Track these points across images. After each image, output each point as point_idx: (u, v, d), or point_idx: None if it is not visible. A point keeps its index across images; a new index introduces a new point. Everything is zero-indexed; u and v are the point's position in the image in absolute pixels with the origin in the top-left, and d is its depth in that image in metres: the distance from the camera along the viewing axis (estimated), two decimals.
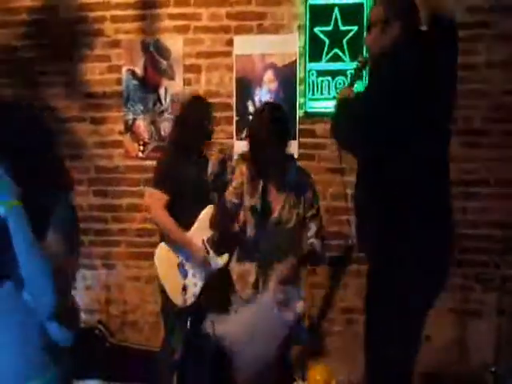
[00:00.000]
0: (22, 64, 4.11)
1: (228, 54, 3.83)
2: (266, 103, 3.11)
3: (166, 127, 3.90)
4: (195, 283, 3.09)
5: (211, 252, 3.11)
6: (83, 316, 4.10)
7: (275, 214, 2.63)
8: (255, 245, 2.66)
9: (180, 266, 3.09)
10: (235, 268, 2.80)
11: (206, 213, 3.09)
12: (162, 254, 3.13)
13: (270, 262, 2.66)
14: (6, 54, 4.13)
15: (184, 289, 3.05)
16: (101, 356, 3.92)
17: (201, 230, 3.10)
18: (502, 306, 3.36)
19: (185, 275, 3.08)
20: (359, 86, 2.77)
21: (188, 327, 3.10)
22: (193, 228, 3.10)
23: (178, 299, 3.06)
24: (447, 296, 3.70)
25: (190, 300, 3.08)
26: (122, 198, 4.09)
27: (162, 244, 3.13)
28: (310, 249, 2.72)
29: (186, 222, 3.07)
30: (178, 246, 3.09)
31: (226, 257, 3.13)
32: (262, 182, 2.62)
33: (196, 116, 3.13)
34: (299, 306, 2.68)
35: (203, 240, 3.10)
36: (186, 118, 3.16)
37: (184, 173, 3.06)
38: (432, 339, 3.69)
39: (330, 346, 3.88)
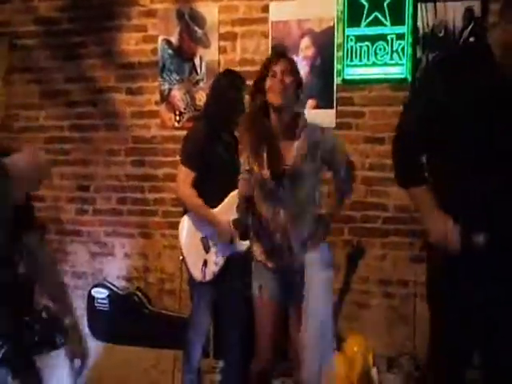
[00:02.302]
0: (60, 36, 4.03)
1: (264, 20, 3.62)
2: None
3: (201, 97, 3.74)
4: (216, 262, 2.96)
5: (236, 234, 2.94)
6: (123, 283, 4.03)
7: (289, 167, 2.37)
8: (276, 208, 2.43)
9: (203, 240, 2.95)
10: (260, 243, 2.57)
11: (234, 195, 2.91)
12: (187, 226, 2.99)
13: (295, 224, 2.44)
14: (46, 26, 4.05)
15: (205, 264, 2.93)
16: (139, 323, 3.88)
17: (226, 212, 2.93)
18: None
19: (207, 250, 2.95)
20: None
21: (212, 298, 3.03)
22: (218, 208, 2.95)
23: (197, 273, 2.94)
24: None
25: (209, 276, 2.95)
26: (159, 167, 3.98)
27: (187, 216, 2.98)
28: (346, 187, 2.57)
29: (213, 201, 2.93)
30: (203, 221, 2.94)
31: (247, 242, 2.98)
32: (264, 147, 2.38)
33: (229, 97, 2.94)
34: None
35: (230, 221, 2.92)
36: (218, 95, 2.97)
37: (213, 151, 2.91)
38: None
39: (367, 319, 3.66)
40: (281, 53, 2.51)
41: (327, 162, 2.46)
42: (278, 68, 2.30)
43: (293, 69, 2.36)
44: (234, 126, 3.02)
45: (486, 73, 1.84)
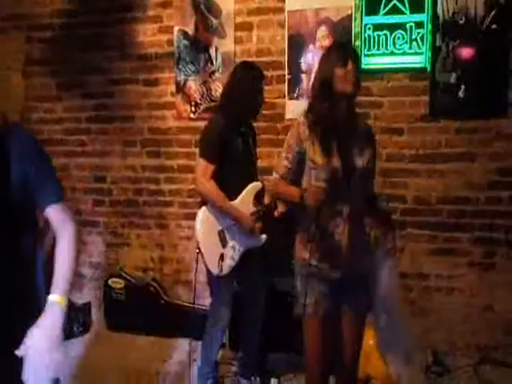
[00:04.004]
0: (76, 28, 3.94)
1: (280, 10, 3.50)
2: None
3: (217, 87, 3.62)
4: (233, 256, 2.83)
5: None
6: (139, 273, 3.92)
7: (359, 166, 2.17)
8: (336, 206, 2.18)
9: (220, 234, 2.81)
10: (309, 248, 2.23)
11: (252, 187, 2.83)
12: (204, 218, 2.84)
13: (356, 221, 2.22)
14: (62, 18, 3.97)
15: (221, 258, 2.79)
16: (155, 313, 3.81)
17: (245, 204, 2.82)
18: None
19: (224, 244, 2.82)
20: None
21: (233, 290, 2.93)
22: (237, 200, 2.83)
23: (213, 267, 2.81)
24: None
25: (226, 271, 2.82)
26: (175, 158, 3.89)
27: (205, 208, 2.83)
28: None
29: (231, 194, 2.80)
30: (222, 214, 2.81)
31: (264, 236, 2.90)
32: (335, 139, 2.17)
33: (248, 88, 2.80)
34: None
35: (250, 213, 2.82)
36: (237, 87, 2.82)
37: (231, 143, 2.78)
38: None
39: None
40: (345, 44, 2.44)
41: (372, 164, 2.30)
42: (349, 57, 2.15)
43: (357, 58, 2.23)
44: (253, 117, 2.94)
45: None
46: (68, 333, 3.77)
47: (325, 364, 2.28)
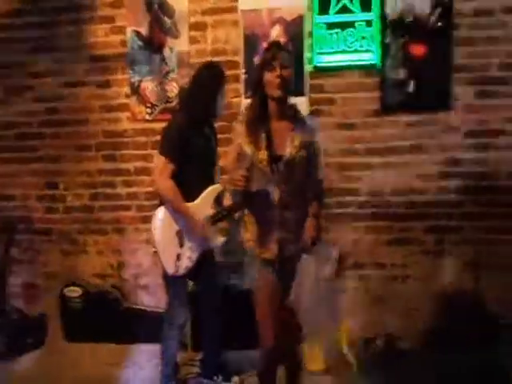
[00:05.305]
0: (24, 29, 3.71)
1: (234, 9, 3.45)
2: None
3: (172, 88, 3.52)
4: (190, 257, 2.74)
5: (211, 230, 2.76)
6: (97, 280, 3.70)
7: (286, 155, 2.29)
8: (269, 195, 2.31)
9: (178, 234, 2.71)
10: (251, 231, 2.42)
11: (212, 190, 2.75)
12: (162, 218, 2.73)
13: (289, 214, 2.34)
14: (8, 18, 3.72)
15: (178, 258, 2.70)
16: (115, 319, 3.62)
17: (203, 207, 2.72)
18: None
19: (181, 244, 2.72)
20: None
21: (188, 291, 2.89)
22: (197, 201, 2.74)
23: (170, 266, 2.72)
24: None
25: (182, 271, 2.73)
26: (131, 161, 3.73)
27: (163, 208, 2.73)
28: (320, 188, 2.50)
29: (192, 194, 2.71)
30: (179, 215, 2.72)
31: (223, 238, 2.87)
32: (264, 132, 2.31)
33: (207, 88, 2.72)
34: None
35: (204, 217, 2.72)
36: (200, 87, 2.74)
37: (192, 143, 2.69)
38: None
39: (343, 302, 3.48)
40: (279, 46, 2.38)
41: (311, 157, 2.38)
42: (276, 62, 2.24)
43: (290, 61, 2.30)
44: (214, 117, 2.86)
45: None
46: (20, 347, 3.50)
47: (275, 336, 2.36)
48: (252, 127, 2.30)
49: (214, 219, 2.69)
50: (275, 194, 2.29)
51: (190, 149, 2.67)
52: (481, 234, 3.38)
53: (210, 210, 2.71)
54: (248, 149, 2.30)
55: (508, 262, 3.06)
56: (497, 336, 3.06)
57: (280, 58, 2.23)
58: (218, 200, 2.79)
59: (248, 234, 2.42)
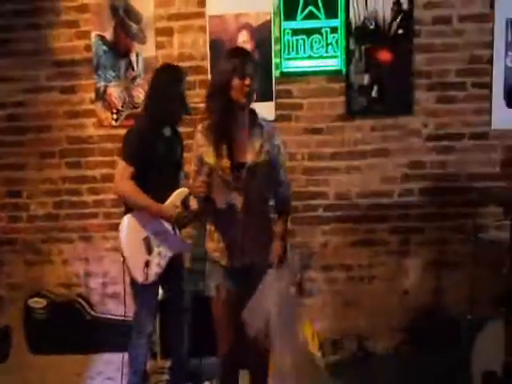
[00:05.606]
0: None
1: (201, 14, 3.43)
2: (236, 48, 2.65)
3: (139, 94, 3.47)
4: (159, 263, 2.69)
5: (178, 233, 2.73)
6: (62, 290, 3.58)
7: (248, 162, 2.27)
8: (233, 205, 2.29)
9: (145, 240, 2.66)
10: (214, 240, 2.40)
11: (178, 193, 2.69)
12: (128, 225, 2.68)
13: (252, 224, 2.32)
14: None
15: (147, 265, 2.65)
16: (81, 329, 3.54)
17: (172, 209, 2.67)
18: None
19: (149, 252, 2.67)
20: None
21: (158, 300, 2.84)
22: (164, 205, 2.68)
23: (139, 274, 2.66)
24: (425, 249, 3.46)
25: (152, 278, 2.68)
26: (97, 168, 3.64)
27: (129, 215, 2.68)
28: (285, 195, 2.46)
29: (157, 199, 2.65)
30: (146, 220, 2.66)
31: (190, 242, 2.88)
32: (225, 141, 2.27)
33: (166, 90, 2.68)
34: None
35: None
36: (158, 90, 2.70)
37: (153, 147, 2.65)
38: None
39: (311, 305, 3.54)
40: (250, 55, 2.34)
41: (273, 160, 2.35)
42: (247, 70, 2.20)
43: (255, 68, 2.27)
44: (175, 121, 2.80)
45: None
46: None
47: (232, 344, 2.41)
48: (213, 135, 2.25)
49: (181, 222, 2.66)
50: (238, 201, 2.27)
51: (152, 153, 2.62)
52: (443, 234, 3.49)
53: (177, 211, 2.65)
54: (209, 158, 2.26)
55: (469, 260, 3.14)
56: (460, 334, 3.14)
57: (250, 67, 2.20)
58: (185, 203, 2.73)
59: (211, 242, 2.40)
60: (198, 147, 2.31)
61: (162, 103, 2.65)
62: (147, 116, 2.70)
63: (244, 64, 2.20)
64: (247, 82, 2.18)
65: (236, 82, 2.18)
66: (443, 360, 3.17)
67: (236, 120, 2.26)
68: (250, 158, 2.26)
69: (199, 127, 2.32)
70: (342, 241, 3.55)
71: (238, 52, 2.34)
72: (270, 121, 2.53)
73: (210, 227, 2.41)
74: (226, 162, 2.24)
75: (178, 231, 2.72)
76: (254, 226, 2.31)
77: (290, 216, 2.54)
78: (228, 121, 2.23)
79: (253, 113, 2.33)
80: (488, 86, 3.35)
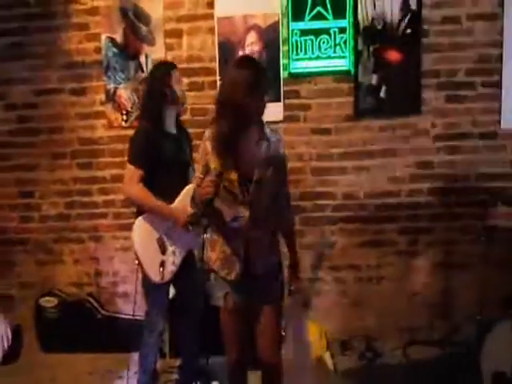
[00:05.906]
0: None
1: (209, 16, 3.43)
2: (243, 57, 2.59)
3: None
4: (174, 261, 2.70)
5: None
6: (73, 289, 3.60)
7: (256, 175, 2.18)
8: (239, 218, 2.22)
9: (159, 241, 2.67)
10: (216, 251, 2.32)
11: (188, 190, 2.66)
12: (141, 228, 2.68)
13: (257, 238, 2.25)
14: None
15: (162, 265, 2.65)
16: (92, 328, 3.55)
17: (182, 208, 2.65)
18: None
19: (164, 251, 2.68)
20: None
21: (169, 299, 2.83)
22: (175, 203, 2.69)
23: (155, 275, 2.66)
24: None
25: (168, 277, 2.69)
26: (107, 169, 3.66)
27: (141, 218, 2.68)
28: (287, 215, 2.39)
29: (167, 198, 2.66)
30: (158, 221, 2.66)
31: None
32: (232, 153, 2.17)
33: (158, 85, 2.65)
34: None
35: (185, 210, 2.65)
36: (153, 89, 2.68)
37: (160, 146, 2.64)
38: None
39: (319, 304, 3.52)
40: (259, 68, 2.17)
41: (279, 174, 2.28)
42: (259, 87, 2.07)
43: (268, 83, 2.23)
44: (178, 117, 2.80)
45: None
46: None
47: (240, 352, 2.38)
48: (220, 146, 2.15)
49: (193, 219, 2.59)
50: (245, 214, 2.20)
51: (159, 152, 2.62)
52: (452, 234, 3.46)
53: (189, 211, 2.58)
54: (217, 167, 2.15)
55: (478, 261, 3.10)
56: (469, 335, 3.11)
57: (264, 84, 2.11)
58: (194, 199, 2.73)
59: (213, 253, 2.32)
60: (205, 155, 2.20)
61: (154, 99, 2.63)
62: (147, 116, 2.69)
63: (259, 82, 2.06)
64: (262, 103, 2.09)
65: (250, 100, 2.04)
66: (452, 361, 3.14)
67: (245, 133, 2.15)
68: (257, 171, 2.17)
69: (207, 134, 2.21)
70: (350, 241, 3.53)
71: (253, 66, 2.11)
72: (276, 128, 2.44)
73: (211, 237, 2.35)
74: (233, 175, 2.16)
75: (190, 228, 2.70)
76: (257, 237, 2.24)
77: (296, 239, 2.44)
78: (237, 134, 2.12)
79: (261, 124, 2.22)
80: (497, 85, 3.31)
